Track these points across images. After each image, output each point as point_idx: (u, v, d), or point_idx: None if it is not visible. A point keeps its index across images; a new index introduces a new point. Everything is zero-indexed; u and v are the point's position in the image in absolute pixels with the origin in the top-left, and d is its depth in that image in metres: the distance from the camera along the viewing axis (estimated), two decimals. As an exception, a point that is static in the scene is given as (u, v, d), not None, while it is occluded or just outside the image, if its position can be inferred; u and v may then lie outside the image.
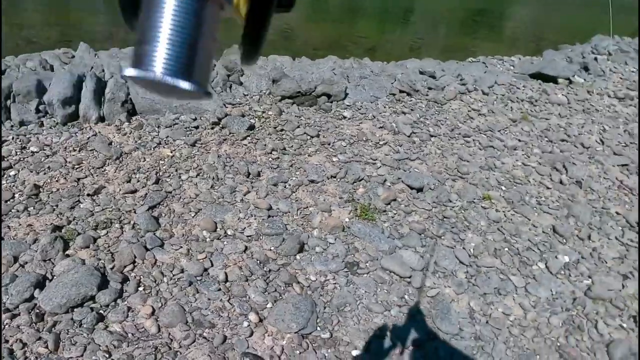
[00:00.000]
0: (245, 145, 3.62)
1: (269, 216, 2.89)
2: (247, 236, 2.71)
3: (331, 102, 4.47)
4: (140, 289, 2.27)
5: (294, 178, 3.28)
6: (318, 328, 2.19)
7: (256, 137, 3.73)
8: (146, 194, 2.95)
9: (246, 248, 2.62)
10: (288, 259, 2.59)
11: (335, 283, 2.48)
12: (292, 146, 3.66)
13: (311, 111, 4.29)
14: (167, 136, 3.61)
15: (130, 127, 3.72)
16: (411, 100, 4.69)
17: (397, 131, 4.05)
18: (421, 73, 5.38)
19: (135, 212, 2.76)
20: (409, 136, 4.00)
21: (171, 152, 3.43)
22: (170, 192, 3.00)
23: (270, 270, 2.49)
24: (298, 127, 3.93)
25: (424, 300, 2.44)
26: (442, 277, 2.60)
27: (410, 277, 2.56)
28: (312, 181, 3.26)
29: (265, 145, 3.59)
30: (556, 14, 22.56)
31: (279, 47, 8.75)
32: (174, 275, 2.37)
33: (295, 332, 2.14)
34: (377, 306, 2.35)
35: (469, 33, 14.61)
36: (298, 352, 2.06)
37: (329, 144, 3.74)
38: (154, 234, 2.63)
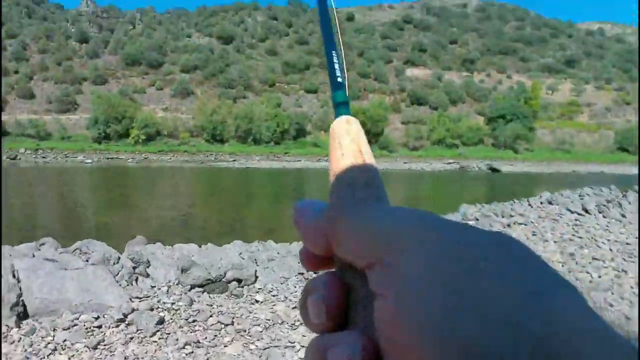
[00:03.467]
0: (155, 341, 3.39)
1: (186, 421, 2.61)
2: None
3: (242, 286, 4.48)
4: None
5: (211, 373, 3.08)
6: None
7: (166, 331, 3.53)
8: (38, 414, 2.54)
9: None
10: None
11: None
12: (206, 337, 3.50)
13: (223, 298, 4.24)
14: (65, 340, 3.28)
15: (20, 334, 3.33)
16: (319, 278, 4.87)
17: (311, 310, 4.10)
18: (325, 251, 5.70)
19: None
20: (322, 314, 4.06)
21: None
22: (69, 408, 2.62)
23: None
24: (211, 316, 3.83)
25: None
26: None
27: None
28: (231, 374, 3.09)
29: (177, 339, 3.40)
30: (423, 189, 25.91)
31: (181, 236, 8.81)
32: None
33: None
34: None
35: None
36: None
37: (245, 331, 3.65)
38: None
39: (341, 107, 0.34)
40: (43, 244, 5.33)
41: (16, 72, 70.91)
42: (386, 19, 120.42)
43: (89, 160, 45.80)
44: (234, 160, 50.52)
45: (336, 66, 0.35)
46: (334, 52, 0.36)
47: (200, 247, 6.37)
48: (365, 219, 0.26)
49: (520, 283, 0.19)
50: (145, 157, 52.04)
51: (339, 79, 0.35)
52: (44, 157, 47.63)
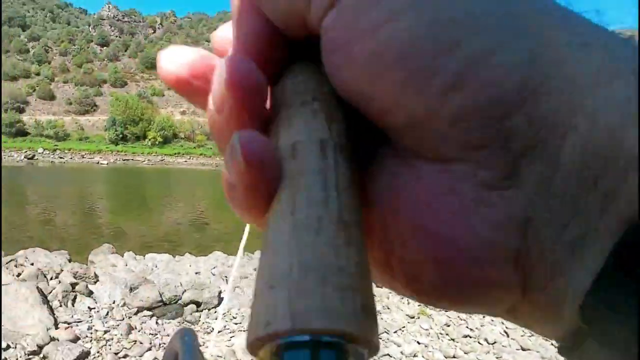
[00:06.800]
0: (67, 385, 2.67)
1: None
2: None
3: (200, 310, 3.74)
4: None
5: None
6: None
7: (86, 370, 2.81)
8: None
9: None
10: None
11: None
12: (133, 381, 2.77)
13: (174, 325, 3.50)
14: (-50, 382, 2.58)
15: None
16: (298, 301, 4.10)
17: (278, 344, 3.34)
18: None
19: None
20: (291, 350, 3.29)
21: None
22: None
23: None
24: (149, 349, 3.09)
25: None
26: None
27: None
28: None
29: (93, 383, 2.68)
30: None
31: (179, 244, 8.06)
32: None
33: None
34: None
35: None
36: None
37: (186, 373, 2.90)
38: None
39: None
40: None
41: (38, 74, 72.01)
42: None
43: (105, 162, 45.91)
44: (250, 164, 50.02)
45: None
46: None
47: (174, 257, 5.67)
48: None
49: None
50: (161, 159, 52.02)
51: None
52: (61, 158, 47.98)
